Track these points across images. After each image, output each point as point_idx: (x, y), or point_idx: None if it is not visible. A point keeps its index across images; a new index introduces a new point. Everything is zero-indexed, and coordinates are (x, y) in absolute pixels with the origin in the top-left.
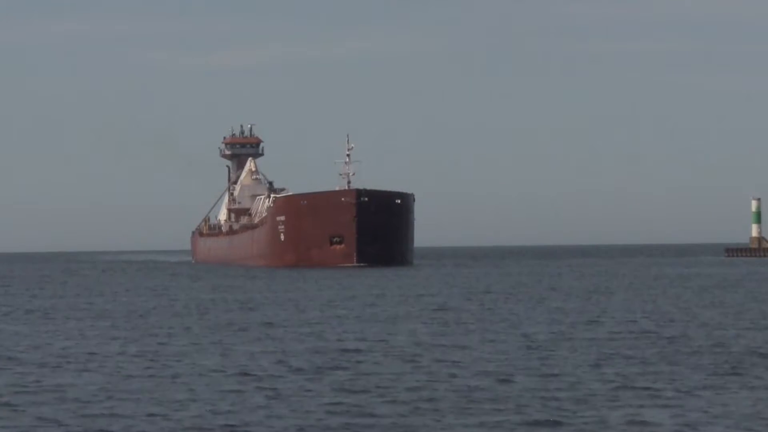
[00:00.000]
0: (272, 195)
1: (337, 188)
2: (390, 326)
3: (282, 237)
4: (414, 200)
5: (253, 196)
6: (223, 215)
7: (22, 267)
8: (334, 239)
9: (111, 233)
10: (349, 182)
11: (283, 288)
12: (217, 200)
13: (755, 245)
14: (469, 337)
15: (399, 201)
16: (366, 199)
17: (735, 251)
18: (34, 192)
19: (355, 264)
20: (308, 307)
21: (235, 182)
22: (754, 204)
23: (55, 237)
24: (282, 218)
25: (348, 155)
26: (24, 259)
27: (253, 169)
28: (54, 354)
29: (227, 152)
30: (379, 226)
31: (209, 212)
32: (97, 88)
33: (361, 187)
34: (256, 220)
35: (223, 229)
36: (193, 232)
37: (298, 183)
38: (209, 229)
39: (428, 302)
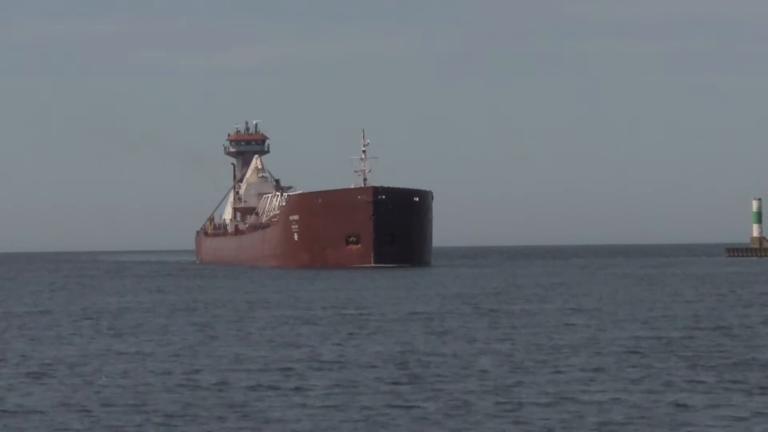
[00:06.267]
0: (285, 193)
1: (352, 185)
2: None
3: (295, 237)
4: (432, 198)
5: (260, 195)
6: (228, 214)
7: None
8: (350, 239)
9: (111, 233)
10: (365, 179)
11: None
12: (222, 199)
13: (756, 245)
14: None
15: (417, 199)
16: (383, 196)
17: (736, 251)
18: (34, 192)
19: (372, 265)
20: None
21: (241, 180)
22: (754, 204)
23: (55, 237)
24: (295, 217)
25: (364, 151)
26: (25, 259)
27: (260, 166)
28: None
29: (232, 150)
30: (396, 225)
31: (214, 211)
32: (97, 87)
33: (377, 184)
34: (264, 219)
35: (229, 228)
36: (198, 232)
37: (303, 181)
38: (214, 229)
39: None
